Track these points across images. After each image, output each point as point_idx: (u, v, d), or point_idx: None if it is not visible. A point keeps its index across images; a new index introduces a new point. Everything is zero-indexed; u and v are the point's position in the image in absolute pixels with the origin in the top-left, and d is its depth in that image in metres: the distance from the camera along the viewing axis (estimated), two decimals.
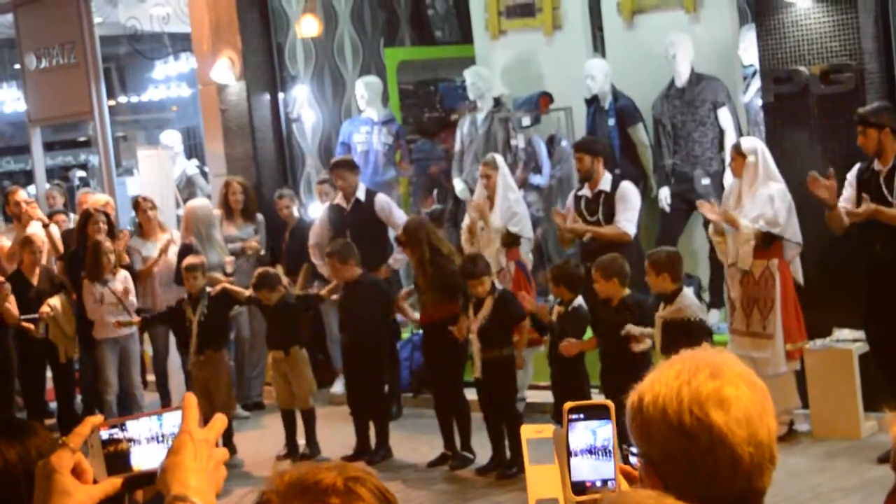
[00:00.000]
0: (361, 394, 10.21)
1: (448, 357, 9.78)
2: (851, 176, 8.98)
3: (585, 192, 10.43)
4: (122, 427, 2.11)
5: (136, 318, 11.21)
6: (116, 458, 2.09)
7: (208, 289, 10.65)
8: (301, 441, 10.47)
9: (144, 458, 2.10)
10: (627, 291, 8.82)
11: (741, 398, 2.23)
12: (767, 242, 9.25)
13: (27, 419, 2.82)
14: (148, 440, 2.12)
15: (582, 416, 2.32)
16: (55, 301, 11.41)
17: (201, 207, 12.21)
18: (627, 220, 10.19)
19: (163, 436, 2.12)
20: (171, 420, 2.12)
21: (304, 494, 1.94)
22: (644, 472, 2.26)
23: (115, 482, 2.07)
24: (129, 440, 2.11)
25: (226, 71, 13.71)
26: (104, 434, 2.09)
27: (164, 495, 1.98)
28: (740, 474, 2.20)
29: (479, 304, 9.31)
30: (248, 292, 10.60)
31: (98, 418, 2.12)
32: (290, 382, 10.37)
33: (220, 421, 2.11)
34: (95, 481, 2.06)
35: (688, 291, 8.87)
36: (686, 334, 8.22)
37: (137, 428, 2.12)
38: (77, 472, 2.05)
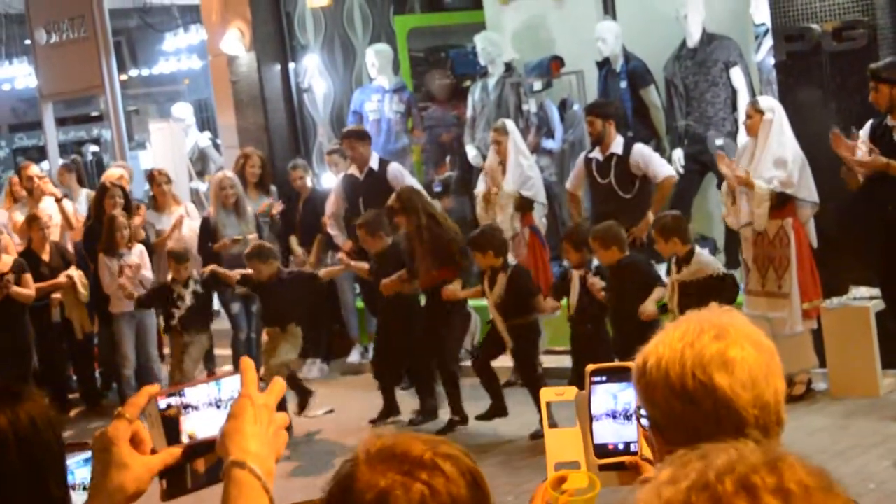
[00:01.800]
0: (392, 362, 10.19)
1: (450, 321, 9.82)
2: (864, 133, 8.94)
3: (597, 154, 10.42)
4: (181, 394, 2.08)
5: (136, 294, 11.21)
6: (176, 427, 2.06)
7: (196, 272, 10.71)
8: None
9: (204, 426, 2.07)
10: (619, 255, 8.90)
11: (746, 359, 2.18)
12: (781, 202, 9.23)
13: (21, 385, 2.74)
14: (207, 406, 2.08)
15: (605, 378, 2.31)
16: (73, 271, 11.51)
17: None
18: (661, 165, 10.23)
19: (221, 401, 2.09)
20: (230, 385, 2.08)
21: (390, 461, 1.92)
22: (651, 434, 2.25)
23: (175, 452, 2.05)
24: (188, 407, 2.07)
25: (236, 42, 13.68)
26: (162, 403, 2.06)
27: (223, 461, 1.95)
28: (746, 437, 2.13)
29: (494, 280, 9.34)
30: (237, 275, 10.61)
31: (155, 387, 2.09)
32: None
33: (279, 385, 2.08)
34: (154, 451, 2.04)
35: (701, 249, 8.91)
36: (715, 290, 8.33)
37: (196, 395, 2.09)
38: (135, 443, 2.02)
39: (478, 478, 1.94)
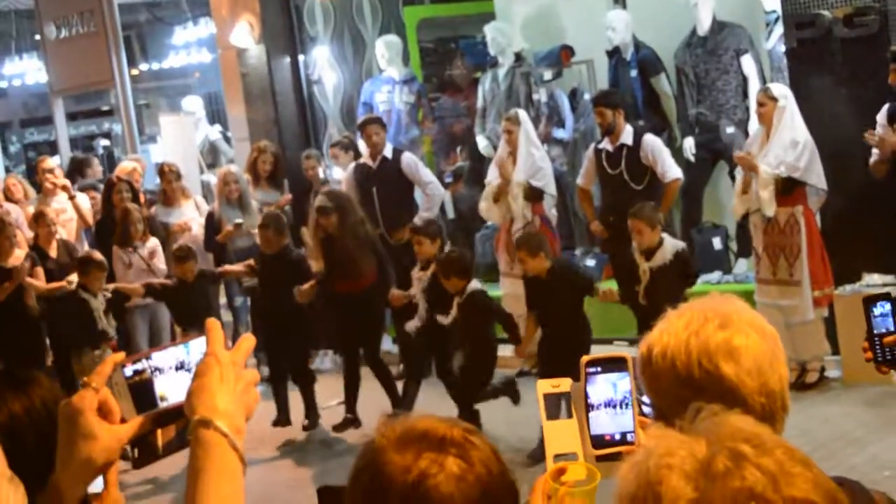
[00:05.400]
0: (286, 367, 10.24)
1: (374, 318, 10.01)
2: (881, 116, 8.89)
3: (606, 145, 10.36)
4: (148, 360, 2.01)
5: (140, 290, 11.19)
6: (145, 394, 1.99)
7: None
8: None
9: (173, 391, 2.00)
10: (548, 262, 8.75)
11: (751, 347, 2.18)
12: (789, 189, 9.18)
13: (30, 371, 2.75)
14: (176, 370, 2.02)
15: (599, 369, 2.30)
16: (75, 276, 11.51)
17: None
18: (670, 166, 10.18)
19: (189, 363, 2.03)
20: (198, 347, 2.01)
21: (420, 442, 1.92)
22: (655, 423, 2.23)
23: (144, 420, 1.98)
24: (156, 371, 2.00)
25: (245, 35, 13.67)
26: (128, 371, 1.98)
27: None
28: None
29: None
30: (140, 289, 10.59)
31: (119, 355, 2.01)
32: None
33: (247, 341, 2.00)
34: (123, 420, 1.97)
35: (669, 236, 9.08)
36: (680, 266, 8.76)
37: (163, 359, 2.02)
38: (104, 412, 1.95)
39: (497, 451, 1.99)
